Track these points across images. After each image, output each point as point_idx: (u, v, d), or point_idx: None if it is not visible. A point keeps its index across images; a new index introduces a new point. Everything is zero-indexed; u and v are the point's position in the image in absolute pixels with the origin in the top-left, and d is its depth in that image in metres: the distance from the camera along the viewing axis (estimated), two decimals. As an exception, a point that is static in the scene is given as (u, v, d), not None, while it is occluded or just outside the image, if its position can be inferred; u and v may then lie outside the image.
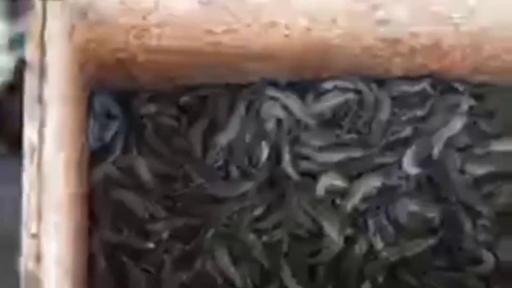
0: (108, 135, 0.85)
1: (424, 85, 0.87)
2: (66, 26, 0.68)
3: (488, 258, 0.84)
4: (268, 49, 0.79)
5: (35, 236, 0.61)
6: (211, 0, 0.70)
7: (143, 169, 0.85)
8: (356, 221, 0.85)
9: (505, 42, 0.80)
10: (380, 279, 0.83)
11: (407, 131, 0.87)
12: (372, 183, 0.85)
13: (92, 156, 0.84)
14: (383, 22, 0.75)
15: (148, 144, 0.86)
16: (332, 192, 0.85)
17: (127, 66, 0.80)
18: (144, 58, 0.78)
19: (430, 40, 0.79)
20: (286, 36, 0.76)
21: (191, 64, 0.81)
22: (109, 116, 0.86)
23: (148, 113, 0.87)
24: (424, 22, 0.76)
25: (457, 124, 0.87)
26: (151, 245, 0.83)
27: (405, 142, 0.86)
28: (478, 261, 0.84)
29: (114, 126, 0.86)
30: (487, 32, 0.77)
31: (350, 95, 0.87)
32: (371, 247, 0.84)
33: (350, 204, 0.85)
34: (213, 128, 0.87)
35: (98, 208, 0.83)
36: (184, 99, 0.88)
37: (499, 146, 0.88)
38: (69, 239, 0.71)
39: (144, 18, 0.71)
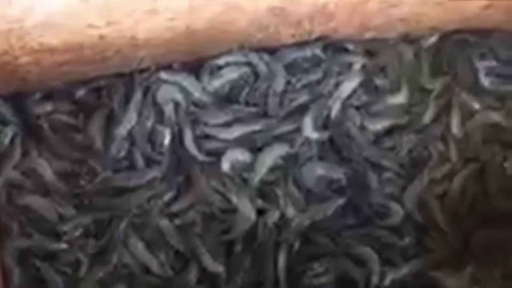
0: (5, 141, 0.84)
1: (315, 49, 0.89)
2: None
3: (397, 209, 0.86)
4: (152, 35, 0.78)
5: None
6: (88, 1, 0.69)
7: (46, 170, 0.84)
8: (265, 192, 0.86)
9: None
10: (296, 246, 0.84)
11: (303, 97, 0.88)
12: (276, 153, 0.86)
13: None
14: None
15: (47, 144, 0.85)
16: (238, 167, 0.86)
17: (12, 69, 0.78)
18: (28, 59, 0.77)
19: (314, 6, 0.80)
20: (170, 19, 0.76)
21: (78, 59, 0.80)
22: (3, 122, 0.84)
23: (44, 113, 0.86)
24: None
25: (352, 83, 0.89)
26: (64, 245, 0.82)
27: (303, 108, 0.88)
28: (387, 214, 0.86)
29: (10, 131, 0.84)
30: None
31: (244, 69, 0.88)
32: (282, 215, 0.85)
33: (257, 177, 0.86)
34: (112, 119, 0.86)
35: (4, 216, 0.82)
36: (79, 94, 0.87)
37: (394, 100, 0.90)
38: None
39: (20, 21, 0.70)
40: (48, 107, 0.86)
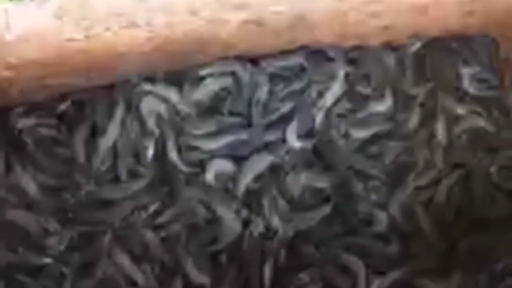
0: (-13, 157, 0.84)
1: (298, 58, 0.88)
2: None
3: (382, 217, 0.86)
4: (132, 48, 0.78)
5: None
6: (65, 12, 0.69)
7: (30, 184, 0.84)
8: (250, 202, 0.86)
9: (368, 7, 0.82)
10: (282, 256, 0.84)
11: (287, 106, 0.88)
12: (260, 162, 0.86)
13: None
14: (242, 6, 0.75)
15: (31, 158, 0.85)
16: (222, 178, 0.86)
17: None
18: (8, 73, 0.77)
19: (294, 16, 0.80)
20: (149, 32, 0.76)
21: (59, 72, 0.79)
22: (-15, 137, 0.84)
23: (27, 127, 0.86)
24: (286, 1, 0.77)
25: (336, 91, 0.89)
26: (48, 260, 0.82)
27: (287, 117, 0.87)
28: (373, 222, 0.86)
29: (-8, 147, 0.84)
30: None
31: (227, 79, 0.88)
32: (268, 225, 0.85)
33: (242, 187, 0.85)
34: (95, 132, 0.86)
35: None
36: (61, 107, 0.86)
37: (378, 107, 0.90)
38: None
39: (-1, 36, 0.70)
40: (31, 121, 0.86)
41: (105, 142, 0.85)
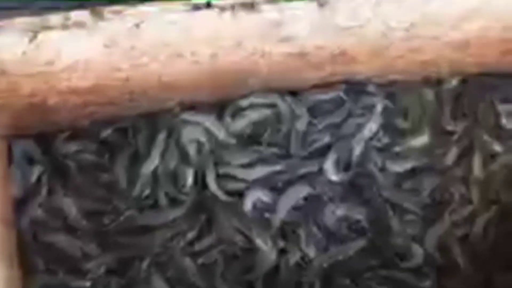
0: (32, 180, 0.85)
1: (337, 91, 0.90)
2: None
3: (418, 252, 0.87)
4: (178, 77, 0.80)
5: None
6: (115, 43, 0.71)
7: (72, 209, 0.86)
8: (286, 232, 0.87)
9: (407, 42, 0.83)
10: (317, 286, 0.85)
11: (326, 139, 0.89)
12: (297, 193, 0.87)
13: (18, 203, 0.84)
14: (285, 39, 0.77)
15: (73, 183, 0.87)
16: (260, 208, 0.87)
17: (40, 110, 0.80)
18: (56, 100, 0.79)
19: (335, 50, 0.81)
20: (195, 62, 0.78)
21: (104, 100, 0.81)
22: (31, 161, 0.86)
23: (70, 152, 0.87)
24: (326, 34, 0.78)
25: (374, 125, 0.90)
26: (87, 283, 0.83)
27: (325, 150, 0.89)
28: (408, 256, 0.87)
29: (36, 171, 0.86)
30: (388, 34, 0.80)
31: (267, 110, 0.89)
32: (304, 256, 0.86)
33: (279, 217, 0.86)
34: (136, 158, 0.88)
35: (29, 254, 0.83)
36: (104, 134, 0.88)
37: (416, 142, 0.91)
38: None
39: (48, 65, 0.72)
40: (74, 146, 0.88)
41: (146, 169, 0.87)
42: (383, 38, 0.80)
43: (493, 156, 0.90)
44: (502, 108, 0.92)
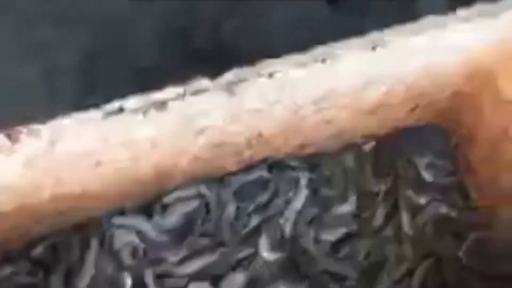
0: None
1: (260, 171, 0.91)
2: None
3: (363, 316, 0.88)
4: (101, 186, 0.80)
5: None
6: (33, 163, 0.71)
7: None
8: (230, 321, 0.87)
9: (320, 114, 0.85)
10: None
11: (255, 221, 0.90)
12: (237, 280, 0.87)
13: None
14: (201, 131, 0.78)
15: (10, 308, 0.85)
16: (202, 300, 0.87)
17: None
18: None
19: (251, 134, 0.83)
20: (116, 169, 0.78)
21: (32, 219, 0.81)
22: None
23: (4, 276, 0.86)
24: (239, 120, 0.80)
25: (301, 199, 0.91)
26: None
27: (256, 232, 0.89)
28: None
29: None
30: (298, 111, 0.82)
31: (194, 202, 0.90)
32: None
33: (221, 307, 0.87)
34: (72, 272, 0.87)
35: None
36: (35, 252, 0.87)
37: (343, 208, 0.92)
38: None
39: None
40: (8, 269, 0.86)
41: (82, 281, 0.86)
42: (293, 114, 0.83)
43: (419, 209, 0.93)
44: (419, 161, 0.95)
